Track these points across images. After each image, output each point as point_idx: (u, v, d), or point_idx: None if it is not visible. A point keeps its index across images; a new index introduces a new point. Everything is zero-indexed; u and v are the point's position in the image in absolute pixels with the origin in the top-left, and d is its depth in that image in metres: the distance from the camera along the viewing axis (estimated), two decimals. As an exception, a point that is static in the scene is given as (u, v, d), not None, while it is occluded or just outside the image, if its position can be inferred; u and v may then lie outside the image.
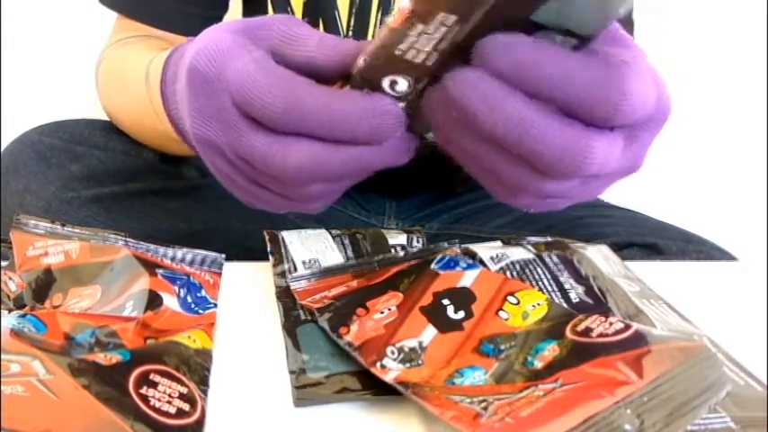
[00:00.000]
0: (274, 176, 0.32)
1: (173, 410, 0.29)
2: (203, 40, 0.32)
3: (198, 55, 0.32)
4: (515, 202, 0.33)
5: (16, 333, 0.30)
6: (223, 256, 0.45)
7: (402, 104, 0.31)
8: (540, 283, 0.43)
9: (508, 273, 0.44)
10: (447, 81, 0.29)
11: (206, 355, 0.35)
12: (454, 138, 0.31)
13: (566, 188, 0.31)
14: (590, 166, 0.29)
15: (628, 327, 0.33)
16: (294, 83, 0.30)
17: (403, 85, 0.30)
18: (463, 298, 0.38)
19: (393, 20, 0.27)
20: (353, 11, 0.60)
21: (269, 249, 0.46)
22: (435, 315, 0.37)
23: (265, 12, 0.62)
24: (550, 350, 0.33)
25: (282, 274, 0.43)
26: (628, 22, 0.68)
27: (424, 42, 0.28)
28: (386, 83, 0.30)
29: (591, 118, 0.28)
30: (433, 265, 0.41)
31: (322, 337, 0.37)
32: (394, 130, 0.31)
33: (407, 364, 0.34)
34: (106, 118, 0.63)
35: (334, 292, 0.41)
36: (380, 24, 0.60)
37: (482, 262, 0.44)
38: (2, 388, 0.27)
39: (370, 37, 0.61)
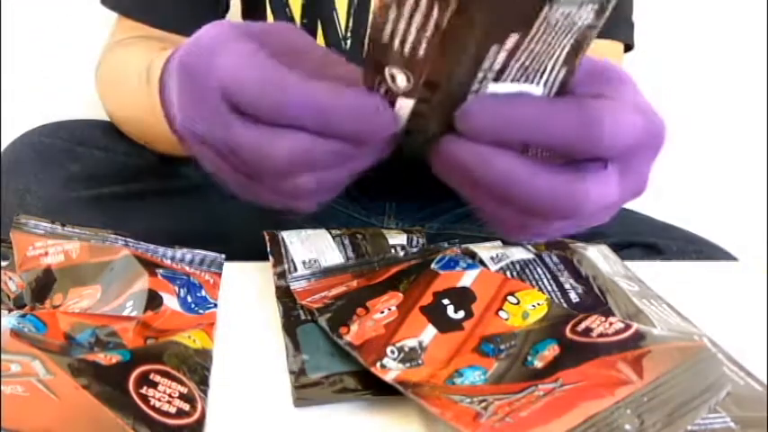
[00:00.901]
0: (263, 168, 0.32)
1: (173, 410, 0.29)
2: (196, 35, 0.33)
3: (188, 49, 0.32)
4: (523, 238, 0.34)
5: (16, 333, 0.30)
6: (223, 256, 0.45)
7: (406, 102, 0.30)
8: (540, 283, 0.43)
9: (508, 273, 0.44)
10: (442, 143, 0.31)
11: (206, 355, 0.35)
12: (460, 186, 0.32)
13: (568, 225, 0.33)
14: (586, 205, 0.30)
15: (628, 327, 0.33)
16: (283, 76, 0.30)
17: (402, 79, 0.30)
18: (463, 298, 0.38)
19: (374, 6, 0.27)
20: (352, 12, 0.60)
21: (269, 249, 0.46)
22: (435, 315, 0.37)
23: (264, 12, 0.62)
24: (550, 350, 0.33)
25: (282, 274, 0.43)
26: (627, 24, 0.68)
27: (405, 28, 0.27)
28: (387, 77, 0.30)
29: (580, 157, 0.30)
30: (433, 265, 0.41)
31: (322, 337, 0.37)
32: (380, 132, 0.30)
33: (407, 364, 0.34)
34: (106, 118, 0.63)
35: (334, 292, 0.41)
36: None
37: (482, 262, 0.44)
38: (2, 388, 0.27)
39: (368, 38, 0.61)
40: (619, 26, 0.66)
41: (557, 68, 0.30)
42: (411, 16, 0.27)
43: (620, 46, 0.67)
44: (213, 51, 0.31)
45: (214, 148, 0.33)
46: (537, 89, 0.31)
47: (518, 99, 0.29)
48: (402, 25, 0.27)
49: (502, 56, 0.28)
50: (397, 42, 0.28)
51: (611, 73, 0.33)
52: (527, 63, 0.29)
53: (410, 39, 0.28)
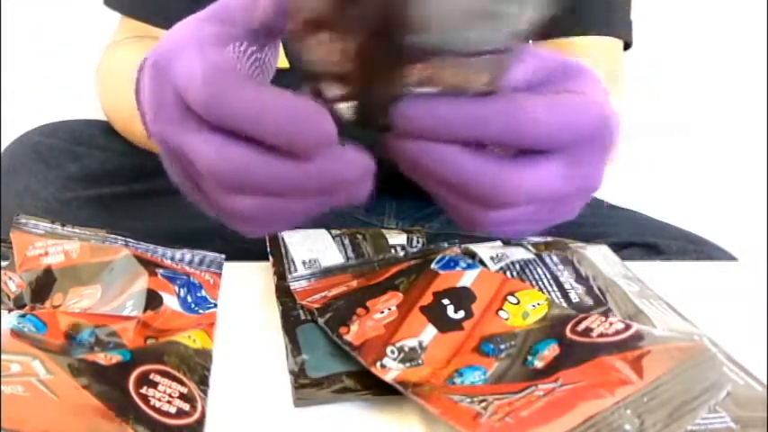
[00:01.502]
0: (207, 179, 0.31)
1: (173, 410, 0.29)
2: (167, 34, 0.33)
3: (156, 49, 0.32)
4: (475, 229, 0.35)
5: (16, 333, 0.30)
6: (223, 256, 0.45)
7: (345, 109, 0.31)
8: (540, 283, 0.43)
9: (508, 273, 0.44)
10: (383, 140, 0.32)
11: (206, 355, 0.35)
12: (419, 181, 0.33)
13: (513, 216, 0.33)
14: (521, 194, 0.31)
15: (628, 327, 0.33)
16: (226, 77, 0.29)
17: (333, 89, 0.30)
18: (463, 298, 0.38)
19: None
20: None
21: (269, 249, 0.46)
22: (435, 315, 0.37)
23: None
24: (550, 350, 0.33)
25: (282, 274, 0.43)
26: (624, 21, 0.68)
27: (327, 49, 0.28)
28: (322, 87, 0.30)
29: (513, 149, 0.31)
30: (433, 265, 0.41)
31: (322, 337, 0.37)
32: (319, 138, 0.29)
33: (407, 364, 0.34)
34: (106, 118, 0.63)
35: (334, 292, 0.41)
36: None
37: (482, 262, 0.44)
38: (2, 388, 0.27)
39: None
40: (616, 22, 0.66)
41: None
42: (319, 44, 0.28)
43: (619, 43, 0.67)
44: (173, 53, 0.31)
45: (172, 153, 0.33)
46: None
47: (446, 99, 0.30)
48: (324, 47, 0.29)
49: (426, 72, 0.29)
50: (319, 64, 0.29)
51: (570, 68, 0.34)
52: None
53: (334, 57, 0.29)
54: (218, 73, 0.29)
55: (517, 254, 0.46)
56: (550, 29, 0.66)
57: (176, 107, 0.31)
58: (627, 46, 0.69)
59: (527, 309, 0.38)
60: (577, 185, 0.34)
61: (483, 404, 0.29)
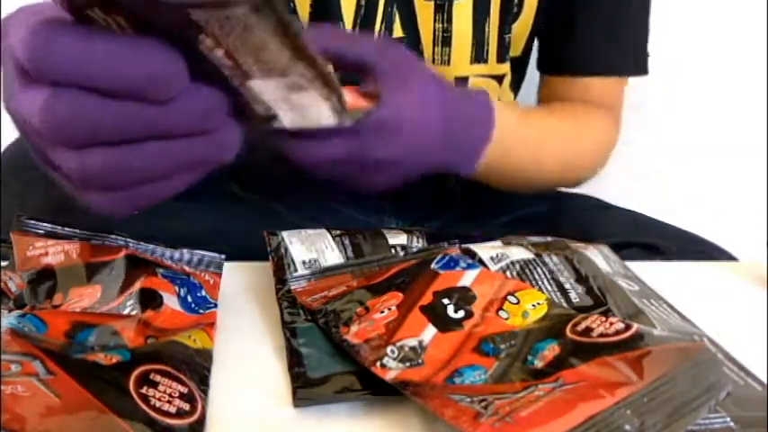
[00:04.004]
0: (43, 133, 0.30)
1: (173, 410, 0.29)
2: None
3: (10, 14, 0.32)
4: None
5: (16, 333, 0.30)
6: (223, 256, 0.45)
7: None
8: (540, 283, 0.43)
9: (508, 273, 0.44)
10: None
11: (206, 355, 0.35)
12: None
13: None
14: None
15: (628, 327, 0.33)
16: (49, 27, 0.28)
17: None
18: (463, 297, 0.38)
19: None
20: (358, 21, 0.60)
21: (269, 249, 0.46)
22: (435, 314, 0.37)
23: None
24: (550, 350, 0.33)
25: (282, 274, 0.43)
26: (633, 58, 0.68)
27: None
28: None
29: None
30: (433, 265, 0.41)
31: (322, 337, 0.37)
32: (146, 77, 0.28)
33: (407, 364, 0.34)
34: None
35: (334, 292, 0.41)
36: (384, 33, 0.60)
37: (482, 262, 0.44)
38: (2, 388, 0.27)
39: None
40: (619, 62, 0.66)
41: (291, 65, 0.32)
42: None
43: (617, 80, 0.67)
44: (10, 27, 0.31)
45: (21, 127, 0.32)
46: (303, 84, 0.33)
47: None
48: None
49: (218, 52, 0.30)
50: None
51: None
52: (257, 60, 0.31)
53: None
54: (42, 25, 0.28)
55: (517, 254, 0.46)
56: (553, 65, 0.67)
57: (15, 74, 0.30)
58: (642, 72, 0.69)
59: (527, 309, 0.38)
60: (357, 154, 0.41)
61: (483, 404, 0.29)
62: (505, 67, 0.65)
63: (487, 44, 0.62)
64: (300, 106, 0.36)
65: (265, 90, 0.34)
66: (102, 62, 0.28)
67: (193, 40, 0.29)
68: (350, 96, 0.39)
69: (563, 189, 0.74)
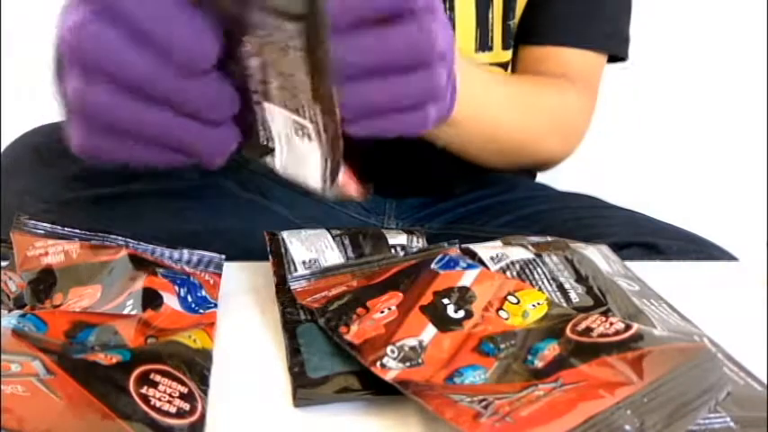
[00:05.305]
0: (69, 50, 0.30)
1: (173, 410, 0.29)
2: None
3: None
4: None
5: (16, 333, 0.30)
6: (223, 256, 0.45)
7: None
8: (540, 283, 0.43)
9: (508, 273, 0.44)
10: None
11: (206, 355, 0.35)
12: None
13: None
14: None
15: (628, 327, 0.33)
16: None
17: None
18: (463, 297, 0.38)
19: None
20: None
21: (269, 249, 0.46)
22: (435, 314, 0.37)
23: None
24: (550, 350, 0.33)
25: (282, 274, 0.43)
26: (613, 37, 0.68)
27: None
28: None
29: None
30: (432, 265, 0.41)
31: (322, 337, 0.37)
32: (199, 51, 0.29)
33: (407, 364, 0.34)
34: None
35: (334, 292, 0.41)
36: None
37: (482, 262, 0.44)
38: (2, 388, 0.27)
39: None
40: (596, 37, 0.66)
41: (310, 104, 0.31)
42: None
43: (598, 57, 0.67)
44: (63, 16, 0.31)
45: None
46: (306, 123, 0.32)
47: None
48: None
49: (254, 61, 0.30)
50: None
51: None
52: (282, 85, 0.31)
53: None
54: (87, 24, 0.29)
55: (517, 254, 0.46)
56: (528, 36, 0.66)
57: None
58: (619, 59, 0.69)
59: (527, 308, 0.38)
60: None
61: (483, 404, 0.29)
62: (510, 54, 0.64)
63: (491, 31, 0.61)
64: (297, 153, 0.34)
65: (276, 119, 0.33)
66: (147, 7, 0.28)
67: (239, 38, 0.29)
68: (345, 175, 0.36)
69: (565, 190, 0.74)
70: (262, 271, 0.46)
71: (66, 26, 0.30)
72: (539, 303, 0.38)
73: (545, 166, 0.69)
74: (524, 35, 0.67)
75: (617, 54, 0.68)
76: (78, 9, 0.30)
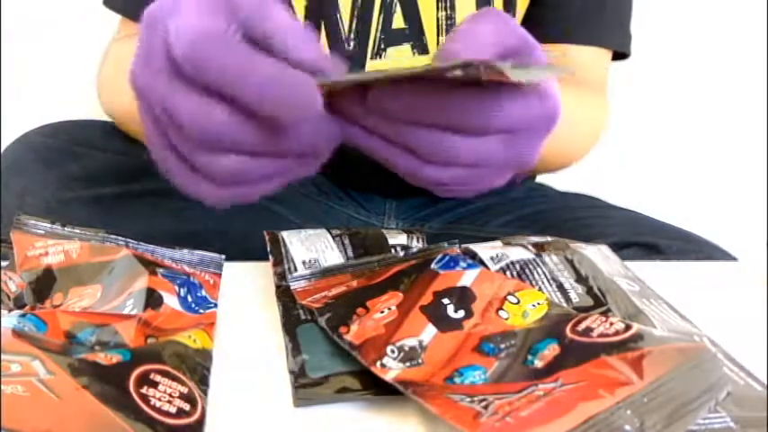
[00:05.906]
0: (182, 132, 0.31)
1: (173, 410, 0.29)
2: None
3: (155, 5, 0.33)
4: (418, 182, 0.36)
5: (16, 333, 0.30)
6: (223, 256, 0.45)
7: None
8: (540, 283, 0.43)
9: (508, 273, 0.44)
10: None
11: (206, 354, 0.35)
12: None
13: (449, 175, 0.35)
14: (470, 159, 0.34)
15: (628, 327, 0.33)
16: (216, 38, 0.30)
17: None
18: (463, 297, 0.38)
19: None
20: (355, 13, 0.60)
21: (269, 249, 0.46)
22: (435, 314, 0.37)
23: None
24: (550, 350, 0.33)
25: (282, 274, 0.43)
26: (616, 31, 0.68)
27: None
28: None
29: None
30: (433, 265, 0.41)
31: (322, 337, 0.37)
32: (303, 105, 0.30)
33: (407, 364, 0.34)
34: (106, 118, 0.63)
35: (334, 292, 0.41)
36: (382, 28, 0.60)
37: (482, 262, 0.44)
38: (2, 388, 0.27)
39: (371, 41, 0.61)
40: (603, 33, 0.66)
41: None
42: None
43: (604, 53, 0.67)
44: (170, 8, 0.31)
45: (152, 109, 0.33)
46: None
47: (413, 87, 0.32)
48: None
49: None
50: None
51: (529, 44, 0.38)
52: None
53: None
54: (209, 34, 0.30)
55: (517, 254, 0.46)
56: (533, 34, 0.66)
57: (164, 58, 0.31)
58: (622, 56, 0.68)
59: (527, 308, 0.38)
60: (513, 160, 0.36)
61: (483, 404, 0.29)
62: None
63: None
64: None
65: None
66: (254, 85, 0.29)
67: None
68: None
69: (565, 190, 0.74)
70: (262, 271, 0.46)
71: (185, 108, 0.31)
72: (539, 303, 0.38)
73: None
74: (529, 33, 0.66)
75: (623, 50, 0.68)
76: (189, 88, 0.31)
